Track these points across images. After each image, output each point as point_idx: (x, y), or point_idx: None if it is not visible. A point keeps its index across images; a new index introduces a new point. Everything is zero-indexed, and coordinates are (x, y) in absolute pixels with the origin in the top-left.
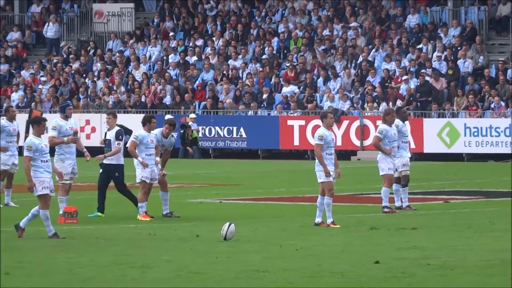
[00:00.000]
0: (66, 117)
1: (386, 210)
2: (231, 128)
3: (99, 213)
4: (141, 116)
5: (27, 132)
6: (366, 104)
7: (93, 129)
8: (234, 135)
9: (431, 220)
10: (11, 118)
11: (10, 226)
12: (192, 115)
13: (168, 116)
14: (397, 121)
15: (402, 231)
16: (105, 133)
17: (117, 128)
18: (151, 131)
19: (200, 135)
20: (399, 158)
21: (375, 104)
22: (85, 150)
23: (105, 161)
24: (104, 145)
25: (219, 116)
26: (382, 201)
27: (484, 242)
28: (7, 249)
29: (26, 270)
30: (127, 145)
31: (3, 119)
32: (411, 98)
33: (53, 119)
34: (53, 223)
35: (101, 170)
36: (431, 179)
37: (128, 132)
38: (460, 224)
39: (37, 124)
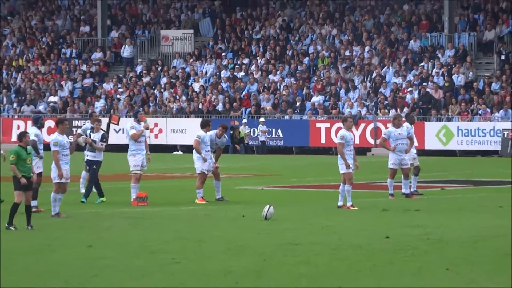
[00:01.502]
0: (138, 121)
1: (390, 196)
2: (270, 129)
3: (101, 199)
4: (199, 120)
5: (107, 132)
6: (379, 110)
7: (160, 130)
8: (273, 135)
9: (430, 203)
10: (94, 121)
11: (96, 208)
12: (244, 121)
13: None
14: (406, 124)
15: (407, 212)
16: (90, 134)
17: (101, 132)
18: (207, 132)
19: (246, 134)
20: (408, 154)
21: (386, 110)
22: (148, 152)
23: (89, 158)
24: (91, 144)
25: (267, 120)
26: (388, 189)
27: (473, 221)
28: (87, 227)
29: (105, 243)
30: (193, 143)
31: (87, 122)
32: (414, 106)
33: (128, 123)
34: (128, 206)
35: (94, 166)
36: (431, 170)
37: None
38: (454, 207)
39: (61, 124)
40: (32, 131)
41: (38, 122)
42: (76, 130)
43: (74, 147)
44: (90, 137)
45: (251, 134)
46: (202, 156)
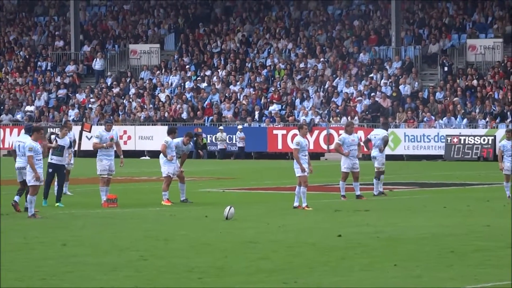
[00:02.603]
0: (108, 130)
1: (342, 198)
2: (231, 136)
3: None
4: (165, 127)
5: (79, 139)
6: (331, 118)
7: (129, 137)
8: (234, 141)
9: (379, 204)
10: (68, 129)
11: (69, 209)
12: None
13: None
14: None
15: (358, 212)
16: (56, 140)
17: (68, 138)
18: (174, 139)
19: (208, 141)
20: (379, 160)
21: (338, 118)
22: (122, 156)
23: (54, 162)
24: (57, 149)
25: (226, 127)
26: (340, 191)
27: (419, 221)
28: (64, 226)
29: (79, 242)
30: (160, 147)
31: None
32: (366, 113)
33: (97, 130)
34: (99, 208)
35: (50, 170)
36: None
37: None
38: (401, 207)
39: (37, 132)
40: (20, 138)
41: (31, 131)
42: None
43: (45, 152)
44: (56, 142)
45: (212, 140)
46: (167, 158)
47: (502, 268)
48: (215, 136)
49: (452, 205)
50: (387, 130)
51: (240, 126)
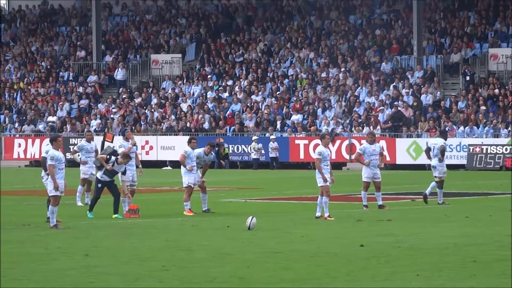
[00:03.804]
0: (126, 139)
1: (364, 207)
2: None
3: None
4: (187, 137)
5: (101, 149)
6: (353, 128)
7: (151, 147)
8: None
9: (402, 214)
10: (89, 140)
11: (91, 220)
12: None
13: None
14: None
15: (380, 222)
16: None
17: (124, 166)
18: (194, 148)
19: (230, 151)
20: (439, 169)
21: (360, 128)
22: (140, 166)
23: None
24: (110, 171)
25: (244, 137)
26: (362, 201)
27: (441, 230)
28: (85, 236)
29: (100, 252)
30: (179, 158)
31: (83, 140)
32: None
33: (117, 142)
34: (121, 218)
35: (100, 185)
36: (402, 183)
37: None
38: (423, 217)
39: (55, 140)
40: (46, 148)
41: (53, 138)
42: (72, 148)
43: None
44: (112, 166)
45: (234, 150)
46: (187, 168)
47: None
48: (250, 146)
49: (474, 214)
50: (445, 139)
51: (273, 136)
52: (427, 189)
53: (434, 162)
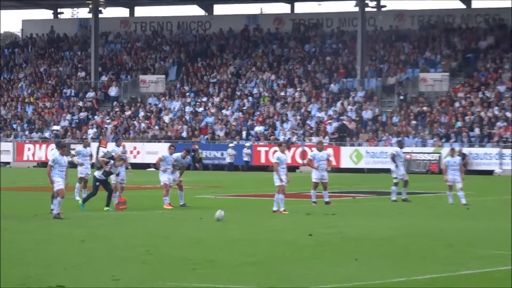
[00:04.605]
0: (118, 145)
1: (313, 203)
2: (223, 152)
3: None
4: (168, 144)
5: (97, 154)
6: (306, 137)
7: (138, 152)
8: (224, 156)
9: (344, 209)
10: (86, 146)
11: (86, 211)
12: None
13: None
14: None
15: (326, 216)
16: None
17: (119, 168)
18: (172, 154)
19: (204, 156)
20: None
21: (311, 138)
22: (129, 167)
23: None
24: (107, 171)
25: (215, 144)
26: (312, 198)
27: (378, 223)
28: (82, 225)
29: (95, 238)
30: (156, 160)
31: (79, 146)
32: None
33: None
34: (112, 210)
35: (97, 183)
36: (345, 184)
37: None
38: (362, 212)
39: (62, 148)
40: (53, 152)
41: (59, 145)
42: (72, 152)
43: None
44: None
45: (207, 155)
46: (160, 169)
47: (444, 263)
48: (227, 152)
49: (405, 210)
50: (401, 148)
51: (247, 144)
52: (393, 196)
53: (392, 167)
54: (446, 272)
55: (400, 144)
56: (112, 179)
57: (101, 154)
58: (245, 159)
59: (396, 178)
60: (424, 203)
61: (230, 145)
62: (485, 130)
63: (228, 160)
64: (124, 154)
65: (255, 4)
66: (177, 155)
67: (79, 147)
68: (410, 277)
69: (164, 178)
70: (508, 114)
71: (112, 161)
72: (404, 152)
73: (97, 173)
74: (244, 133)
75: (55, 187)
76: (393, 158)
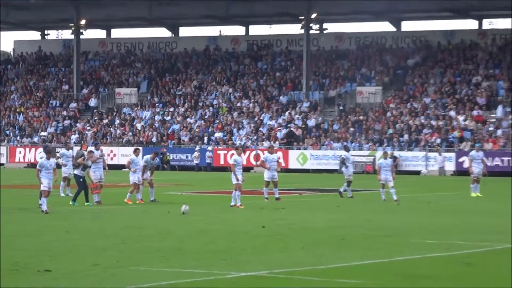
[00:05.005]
0: (97, 149)
1: (265, 199)
2: (188, 155)
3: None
4: (141, 148)
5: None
6: (259, 142)
7: (114, 155)
8: (189, 158)
9: (293, 204)
10: (69, 149)
11: (68, 206)
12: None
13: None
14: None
15: (277, 210)
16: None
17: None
18: (138, 156)
19: (171, 158)
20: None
21: (264, 142)
22: (106, 168)
23: (80, 174)
24: (86, 166)
25: (181, 148)
26: (264, 194)
27: (321, 216)
28: (67, 218)
29: (78, 230)
30: (126, 162)
31: (63, 149)
32: (283, 139)
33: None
34: (92, 205)
35: (81, 180)
36: (292, 182)
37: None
38: (308, 207)
39: (48, 153)
40: (40, 155)
41: (46, 149)
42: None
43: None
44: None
45: (174, 157)
46: (131, 170)
47: (381, 250)
48: (193, 155)
49: (344, 205)
50: (347, 151)
51: (210, 148)
52: (341, 188)
53: (343, 168)
54: (383, 258)
55: (347, 148)
56: (92, 177)
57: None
58: (208, 161)
59: (349, 176)
60: (361, 199)
61: (196, 148)
62: (413, 136)
63: (195, 161)
64: (102, 157)
65: (215, 27)
66: (147, 157)
67: (63, 150)
68: (351, 262)
69: (134, 178)
70: (433, 122)
71: (85, 156)
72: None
73: (77, 171)
74: (205, 139)
75: (41, 188)
76: (343, 161)
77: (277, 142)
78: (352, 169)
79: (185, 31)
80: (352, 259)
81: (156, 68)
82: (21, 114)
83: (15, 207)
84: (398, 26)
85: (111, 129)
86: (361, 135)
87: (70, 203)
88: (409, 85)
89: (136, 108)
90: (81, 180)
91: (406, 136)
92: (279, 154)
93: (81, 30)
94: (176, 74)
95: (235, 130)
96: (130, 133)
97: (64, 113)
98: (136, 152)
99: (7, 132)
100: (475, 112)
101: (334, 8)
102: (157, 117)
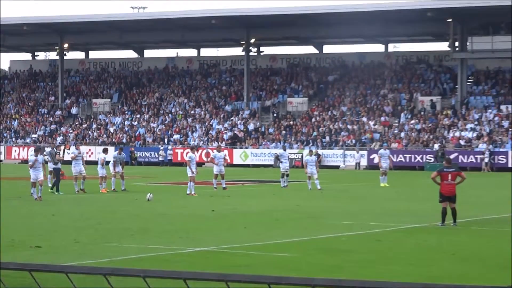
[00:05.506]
0: (77, 148)
1: (214, 189)
2: (152, 152)
3: (52, 191)
4: (113, 147)
5: (63, 154)
6: (209, 143)
7: (92, 153)
8: (153, 156)
9: (236, 192)
10: (77, 148)
11: (57, 195)
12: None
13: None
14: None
15: (224, 197)
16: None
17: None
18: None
19: (138, 155)
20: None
21: (212, 143)
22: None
23: (58, 167)
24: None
25: (146, 147)
26: (213, 184)
27: (261, 202)
28: (53, 204)
29: (62, 213)
30: (100, 159)
31: (50, 147)
32: (230, 140)
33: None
34: (73, 194)
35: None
36: (237, 175)
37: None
38: (249, 194)
39: (39, 151)
40: (31, 153)
41: (38, 149)
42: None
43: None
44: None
45: (140, 155)
46: (101, 166)
47: (306, 229)
48: (159, 153)
49: (277, 192)
50: (284, 150)
51: (170, 147)
52: (282, 184)
53: (279, 163)
54: (308, 235)
55: (284, 147)
56: (73, 171)
57: (66, 155)
58: (168, 158)
59: (286, 170)
60: (292, 188)
61: (161, 148)
62: (333, 138)
63: (160, 158)
64: (80, 155)
65: (173, 50)
66: (114, 153)
67: (49, 149)
68: (283, 239)
69: (102, 172)
70: (349, 126)
71: (59, 153)
72: (276, 153)
73: (59, 165)
74: (166, 140)
75: (32, 180)
76: (277, 157)
77: (223, 143)
78: (287, 164)
79: (149, 53)
80: (284, 236)
81: (125, 83)
82: (16, 120)
83: (12, 196)
84: (320, 49)
85: (89, 132)
86: (291, 137)
87: (53, 191)
88: (330, 97)
89: (109, 115)
90: (60, 172)
91: (327, 138)
92: (226, 152)
93: (64, 52)
94: (141, 88)
95: (189, 133)
96: (105, 135)
97: (51, 119)
98: (104, 152)
99: (5, 134)
100: (382, 118)
101: (269, 35)
102: (127, 122)
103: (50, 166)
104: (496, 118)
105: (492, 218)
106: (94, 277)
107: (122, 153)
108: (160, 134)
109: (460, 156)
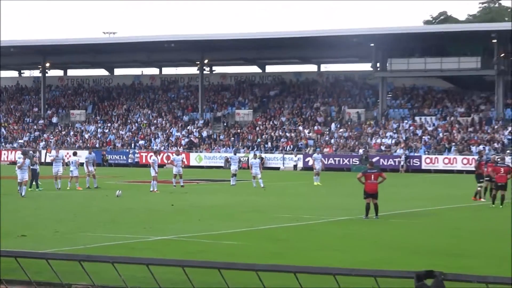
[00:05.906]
0: (56, 152)
1: (174, 187)
2: (121, 155)
3: (39, 189)
4: (85, 152)
5: (45, 156)
6: (169, 147)
7: (70, 156)
8: (123, 158)
9: (192, 190)
10: (90, 152)
11: (39, 193)
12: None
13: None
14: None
15: (182, 194)
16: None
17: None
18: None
19: (109, 158)
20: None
21: (173, 147)
22: (64, 165)
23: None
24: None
25: (117, 151)
26: (173, 183)
27: (212, 198)
28: (37, 200)
29: (45, 208)
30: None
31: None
32: (186, 145)
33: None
34: (54, 190)
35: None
36: (193, 175)
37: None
38: (203, 191)
39: (26, 155)
40: (19, 156)
41: (25, 153)
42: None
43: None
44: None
45: (112, 158)
46: (74, 168)
47: (249, 221)
48: (129, 156)
49: (227, 190)
50: (235, 154)
51: (136, 151)
52: (232, 182)
53: (228, 166)
54: (252, 226)
55: (235, 152)
56: (53, 171)
57: (48, 158)
58: (136, 160)
59: (235, 171)
60: (241, 186)
61: (131, 151)
62: (274, 144)
63: (130, 160)
64: (59, 158)
65: (139, 68)
66: (86, 155)
67: (31, 152)
68: (232, 230)
69: (75, 172)
70: (287, 134)
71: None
72: (226, 156)
73: (36, 167)
74: (132, 145)
75: (18, 180)
76: (227, 160)
77: (181, 147)
78: (236, 166)
79: (118, 71)
80: (232, 227)
81: (98, 97)
82: (5, 128)
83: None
84: (263, 69)
85: (67, 138)
86: (239, 143)
87: (32, 189)
88: (271, 109)
89: (84, 124)
90: (37, 172)
91: (269, 143)
92: (183, 155)
93: (46, 70)
94: (112, 101)
95: (153, 139)
96: (81, 141)
97: (35, 127)
98: (75, 154)
99: None
100: (316, 127)
101: (220, 56)
102: (99, 130)
103: (87, 168)
104: (411, 128)
105: (408, 212)
106: (70, 262)
107: (92, 152)
108: (127, 140)
109: (381, 159)
